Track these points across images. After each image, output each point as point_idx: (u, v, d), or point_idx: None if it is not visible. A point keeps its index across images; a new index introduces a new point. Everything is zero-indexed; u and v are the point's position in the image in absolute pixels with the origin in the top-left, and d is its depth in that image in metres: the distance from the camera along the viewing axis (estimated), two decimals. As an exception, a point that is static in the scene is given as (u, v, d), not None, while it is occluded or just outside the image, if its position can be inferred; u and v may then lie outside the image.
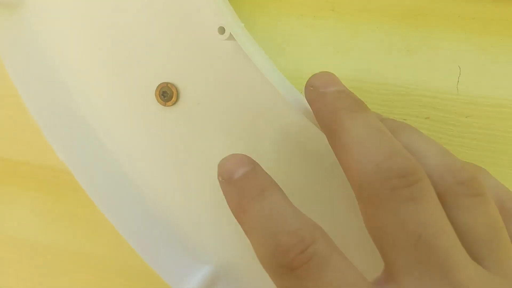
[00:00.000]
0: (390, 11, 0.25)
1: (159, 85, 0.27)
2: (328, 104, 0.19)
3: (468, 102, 0.24)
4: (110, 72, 0.27)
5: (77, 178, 0.26)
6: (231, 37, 0.23)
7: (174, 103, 0.27)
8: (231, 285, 0.28)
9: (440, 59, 0.24)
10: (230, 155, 0.19)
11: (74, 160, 0.26)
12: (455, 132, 0.24)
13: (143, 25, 0.26)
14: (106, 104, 0.28)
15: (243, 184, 0.18)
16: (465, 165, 0.18)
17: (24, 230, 0.35)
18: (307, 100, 0.20)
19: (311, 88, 0.20)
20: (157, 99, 0.27)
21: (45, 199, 0.34)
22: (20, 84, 0.28)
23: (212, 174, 0.27)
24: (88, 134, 0.27)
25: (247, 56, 0.23)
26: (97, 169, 0.26)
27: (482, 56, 0.24)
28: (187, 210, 0.28)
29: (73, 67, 0.28)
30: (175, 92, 0.27)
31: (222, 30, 0.23)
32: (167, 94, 0.27)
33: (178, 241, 0.27)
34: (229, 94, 0.25)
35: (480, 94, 0.24)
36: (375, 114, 0.23)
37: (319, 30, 0.26)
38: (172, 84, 0.27)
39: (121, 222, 0.26)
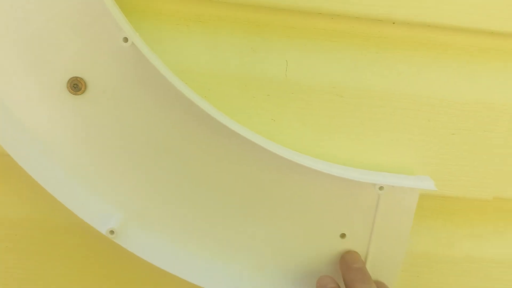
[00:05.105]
0: (241, 21, 0.37)
1: (70, 78, 0.35)
2: (352, 275, 0.37)
3: (296, 91, 0.37)
4: (26, 67, 0.34)
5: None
6: (133, 45, 0.32)
7: (83, 93, 0.36)
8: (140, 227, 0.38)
9: (274, 56, 0.37)
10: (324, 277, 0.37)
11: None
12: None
13: (53, 30, 0.33)
14: (23, 93, 0.35)
15: None
16: None
17: None
18: (340, 267, 0.38)
19: (344, 261, 0.38)
20: (69, 90, 0.35)
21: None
22: None
23: (119, 144, 0.36)
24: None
25: (146, 58, 0.33)
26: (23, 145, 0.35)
27: (307, 52, 0.37)
28: (103, 172, 0.37)
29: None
30: (83, 84, 0.35)
31: (126, 40, 0.32)
32: (77, 86, 0.35)
33: (97, 195, 0.37)
34: (128, 86, 0.34)
35: (305, 82, 0.37)
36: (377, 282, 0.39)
37: (191, 38, 0.37)
38: (81, 78, 0.35)
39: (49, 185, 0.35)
